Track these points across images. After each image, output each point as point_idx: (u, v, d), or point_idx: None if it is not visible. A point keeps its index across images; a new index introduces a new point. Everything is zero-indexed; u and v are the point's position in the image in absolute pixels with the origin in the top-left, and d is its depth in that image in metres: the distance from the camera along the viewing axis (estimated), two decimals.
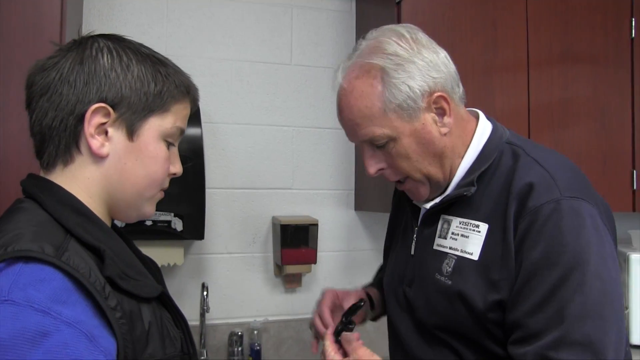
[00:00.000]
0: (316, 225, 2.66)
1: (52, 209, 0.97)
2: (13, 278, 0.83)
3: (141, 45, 1.07)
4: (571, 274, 1.13)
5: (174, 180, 1.15)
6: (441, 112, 1.29)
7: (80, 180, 1.02)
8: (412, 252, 1.41)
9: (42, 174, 1.04)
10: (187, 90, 1.10)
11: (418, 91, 1.25)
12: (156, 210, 1.15)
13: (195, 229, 2.41)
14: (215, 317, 2.62)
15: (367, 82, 1.27)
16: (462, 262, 1.27)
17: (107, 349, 0.86)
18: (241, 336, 2.60)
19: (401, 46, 1.27)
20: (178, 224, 2.36)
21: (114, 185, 1.04)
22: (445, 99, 1.28)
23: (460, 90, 1.34)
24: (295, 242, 2.61)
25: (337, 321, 1.42)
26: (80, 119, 0.99)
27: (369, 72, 1.27)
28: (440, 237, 1.34)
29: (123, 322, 0.91)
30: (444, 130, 1.29)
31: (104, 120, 1.00)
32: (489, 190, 1.28)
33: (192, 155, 2.31)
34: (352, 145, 2.87)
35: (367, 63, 1.28)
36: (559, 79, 2.62)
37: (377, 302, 1.66)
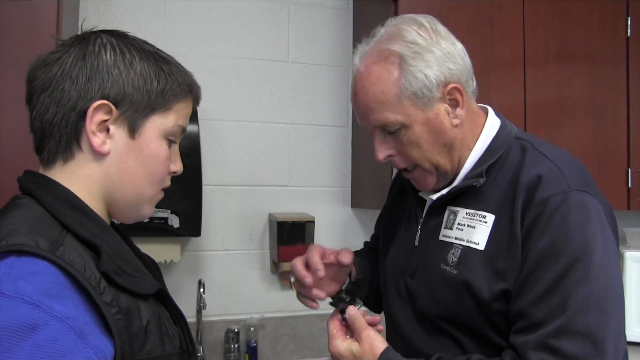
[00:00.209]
0: (313, 222, 2.66)
1: (49, 204, 0.96)
2: (5, 271, 0.82)
3: (144, 42, 1.06)
4: (576, 265, 1.14)
5: (171, 177, 1.14)
6: (454, 104, 1.30)
7: (80, 178, 1.01)
8: (416, 244, 1.41)
9: (41, 170, 1.03)
10: (189, 89, 1.10)
11: (434, 80, 1.26)
12: None
13: (191, 225, 2.41)
14: (211, 313, 2.63)
15: (384, 67, 1.27)
16: (468, 252, 1.28)
17: (99, 347, 0.85)
18: (237, 333, 2.60)
19: (421, 35, 1.28)
20: (175, 221, 2.36)
21: (114, 184, 1.03)
22: (459, 90, 1.29)
23: (473, 84, 1.35)
24: (291, 239, 2.61)
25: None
26: (82, 116, 0.98)
27: (387, 58, 1.28)
28: (446, 227, 1.35)
29: (119, 318, 0.90)
30: (456, 121, 1.30)
31: (105, 117, 0.99)
32: (496, 182, 1.29)
33: (189, 152, 2.31)
34: (349, 142, 2.88)
35: (385, 49, 1.29)
36: (555, 78, 2.63)
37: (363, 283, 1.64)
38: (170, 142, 1.08)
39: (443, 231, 1.35)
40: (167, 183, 1.12)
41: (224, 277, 2.69)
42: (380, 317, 1.39)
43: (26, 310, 0.79)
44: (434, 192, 1.39)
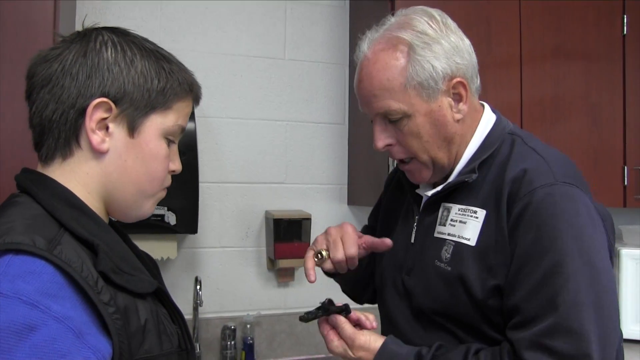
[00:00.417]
0: (309, 219, 2.67)
1: (46, 202, 0.95)
2: (2, 269, 0.82)
3: (145, 39, 1.06)
4: (563, 261, 1.13)
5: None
6: (458, 98, 1.30)
7: (79, 175, 1.00)
8: (412, 241, 1.41)
9: (40, 167, 1.03)
10: (190, 88, 1.09)
11: (441, 72, 1.26)
12: None
13: (188, 222, 2.41)
14: (208, 311, 2.63)
15: (392, 55, 1.27)
16: (459, 247, 1.28)
17: (97, 347, 0.85)
18: (234, 330, 2.61)
19: (431, 26, 1.28)
20: (171, 218, 2.36)
21: (113, 183, 1.02)
22: (464, 85, 1.29)
23: (477, 81, 1.35)
24: (288, 236, 2.62)
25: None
26: (82, 113, 0.97)
27: (396, 46, 1.27)
28: (440, 224, 1.35)
29: (117, 317, 0.89)
30: (458, 116, 1.30)
31: (105, 115, 0.98)
32: (487, 177, 1.29)
33: (185, 149, 2.31)
34: (346, 139, 2.88)
35: (394, 37, 1.28)
36: (552, 75, 2.64)
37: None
38: (169, 142, 1.07)
39: (438, 228, 1.35)
40: (168, 182, 1.11)
41: (221, 275, 2.69)
42: (374, 315, 1.39)
43: (24, 311, 0.79)
44: (429, 188, 1.39)
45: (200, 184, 2.44)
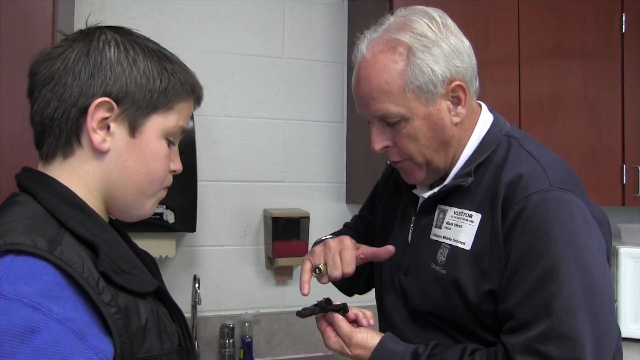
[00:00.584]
0: (307, 218, 2.67)
1: (47, 201, 0.95)
2: (3, 271, 0.81)
3: (148, 39, 1.05)
4: (558, 266, 1.13)
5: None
6: (456, 102, 1.28)
7: (80, 174, 1.00)
8: (409, 241, 1.41)
9: (40, 165, 1.03)
10: (192, 89, 1.09)
11: (440, 76, 1.24)
12: None
13: (187, 221, 2.41)
14: (206, 309, 2.63)
15: (391, 57, 1.26)
16: (455, 251, 1.27)
17: (99, 347, 0.85)
18: (232, 328, 2.61)
19: (431, 29, 1.26)
20: (170, 216, 2.36)
21: (113, 182, 1.02)
22: (463, 89, 1.27)
23: (476, 83, 1.33)
24: (286, 234, 2.62)
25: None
26: (83, 112, 0.97)
27: (395, 48, 1.26)
28: (436, 226, 1.34)
29: (118, 318, 0.89)
30: (456, 119, 1.29)
31: (107, 114, 0.98)
32: (483, 181, 1.28)
33: (184, 147, 2.30)
34: (344, 138, 2.88)
35: (394, 39, 1.27)
36: (550, 74, 2.64)
37: None
38: (169, 142, 1.07)
39: (434, 230, 1.35)
40: (169, 182, 1.11)
41: (219, 273, 2.69)
42: (371, 312, 1.39)
43: (26, 313, 0.79)
44: (426, 189, 1.39)
45: (198, 183, 2.44)
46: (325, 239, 1.52)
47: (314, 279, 1.38)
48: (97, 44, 0.99)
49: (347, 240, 1.39)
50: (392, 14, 1.34)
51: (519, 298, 1.16)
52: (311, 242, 2.65)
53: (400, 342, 1.31)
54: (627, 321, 2.55)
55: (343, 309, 1.36)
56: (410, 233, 1.42)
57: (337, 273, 1.35)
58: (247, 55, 2.75)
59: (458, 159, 1.33)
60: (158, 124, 1.03)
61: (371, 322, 1.37)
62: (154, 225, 2.34)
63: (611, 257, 1.28)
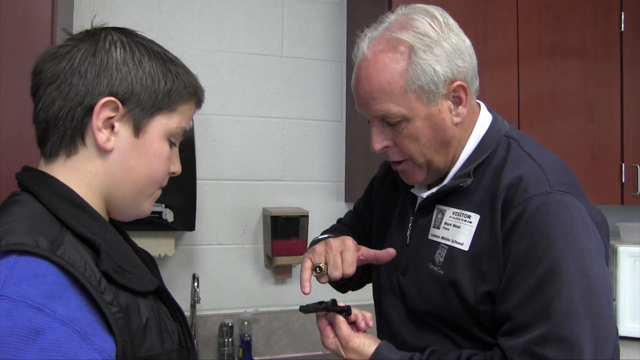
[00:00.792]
0: (306, 216, 2.67)
1: (47, 201, 0.95)
2: (7, 272, 0.82)
3: (152, 41, 1.06)
4: (557, 269, 1.12)
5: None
6: (457, 102, 1.28)
7: (82, 173, 1.01)
8: (408, 241, 1.41)
9: (42, 164, 1.03)
10: (194, 92, 1.10)
11: (442, 76, 1.23)
12: None
13: (186, 220, 2.41)
14: (205, 308, 2.63)
15: (393, 57, 1.24)
16: (453, 252, 1.27)
17: (103, 347, 0.85)
18: (231, 327, 2.61)
19: (433, 28, 1.25)
20: (169, 215, 2.37)
21: (115, 182, 1.03)
22: (464, 89, 1.26)
23: (477, 83, 1.32)
24: (285, 233, 2.62)
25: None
26: (89, 111, 0.98)
27: (397, 48, 1.24)
28: (434, 227, 1.34)
29: (120, 317, 0.90)
30: (457, 120, 1.28)
31: (112, 114, 0.99)
32: (482, 182, 1.28)
33: (183, 146, 2.29)
34: (343, 136, 2.88)
35: (395, 38, 1.25)
36: (549, 72, 2.64)
37: None
38: (170, 144, 1.08)
39: (432, 230, 1.34)
40: (165, 182, 1.12)
41: (218, 272, 2.69)
42: (371, 315, 1.39)
43: (30, 315, 0.79)
44: (424, 189, 1.38)
45: (197, 181, 2.45)
46: (322, 238, 1.52)
47: (313, 278, 1.37)
48: (103, 44, 1.00)
49: (349, 242, 1.38)
50: (392, 12, 1.33)
51: (517, 300, 1.15)
52: (310, 240, 2.66)
53: (396, 351, 1.30)
54: (626, 320, 2.55)
55: (346, 312, 1.35)
56: (409, 233, 1.41)
57: (337, 274, 1.35)
58: (246, 54, 2.75)
59: (457, 159, 1.33)
60: (161, 125, 1.04)
61: (370, 324, 1.36)
62: (153, 224, 2.34)
63: (609, 258, 1.27)
